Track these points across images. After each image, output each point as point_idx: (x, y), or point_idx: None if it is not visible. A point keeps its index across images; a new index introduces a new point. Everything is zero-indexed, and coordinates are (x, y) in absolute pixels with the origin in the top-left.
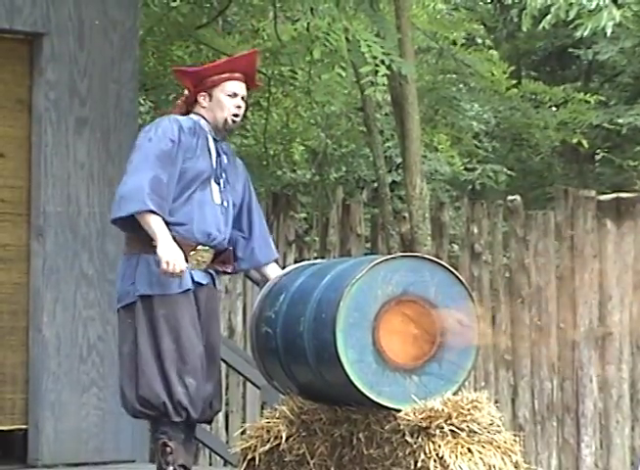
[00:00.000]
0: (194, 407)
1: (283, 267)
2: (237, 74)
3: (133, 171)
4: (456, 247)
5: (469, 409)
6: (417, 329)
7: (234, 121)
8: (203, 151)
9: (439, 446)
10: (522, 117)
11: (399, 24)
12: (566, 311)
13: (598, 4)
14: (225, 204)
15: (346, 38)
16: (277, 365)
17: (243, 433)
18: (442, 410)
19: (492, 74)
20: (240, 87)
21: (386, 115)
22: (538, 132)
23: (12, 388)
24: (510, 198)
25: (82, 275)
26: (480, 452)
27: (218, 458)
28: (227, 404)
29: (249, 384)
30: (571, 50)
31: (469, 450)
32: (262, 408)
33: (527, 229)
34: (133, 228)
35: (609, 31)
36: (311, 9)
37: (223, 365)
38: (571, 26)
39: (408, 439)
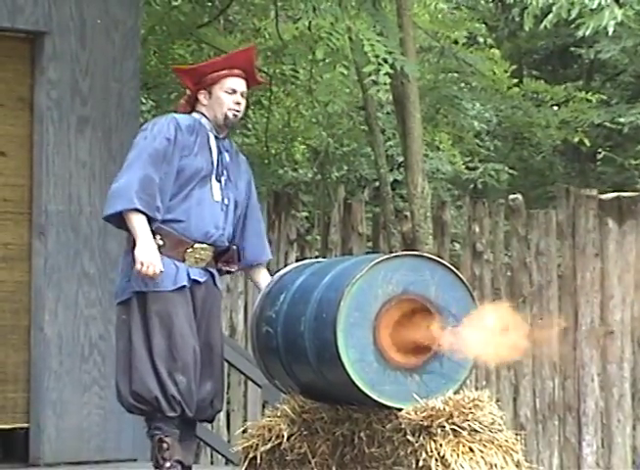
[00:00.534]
0: (187, 403)
1: (284, 266)
2: (235, 71)
3: (126, 169)
4: (458, 246)
5: (470, 408)
6: (417, 328)
7: (235, 116)
8: (202, 149)
9: (441, 445)
10: (523, 116)
11: (401, 23)
12: (567, 310)
13: (600, 3)
14: (226, 201)
15: (349, 37)
16: (278, 364)
17: (244, 432)
18: (444, 409)
19: (494, 73)
20: (239, 83)
21: (387, 113)
22: (540, 131)
23: (13, 387)
24: (511, 197)
25: (84, 274)
26: (482, 451)
27: (220, 457)
28: (228, 403)
29: (250, 383)
30: (572, 49)
31: (470, 449)
32: (264, 407)
33: (529, 228)
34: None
35: (610, 30)
36: (313, 8)
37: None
38: (573, 26)
39: (409, 438)
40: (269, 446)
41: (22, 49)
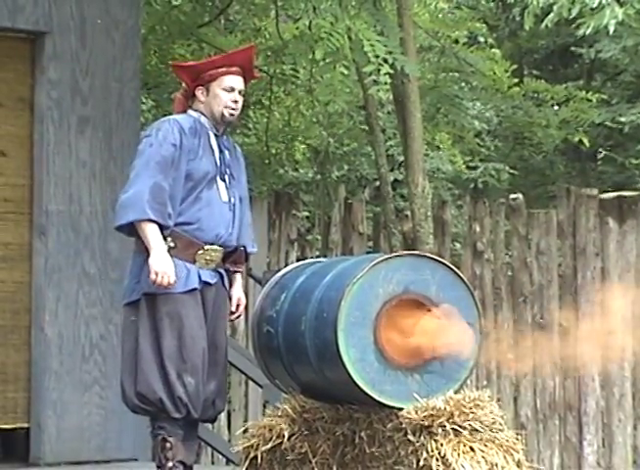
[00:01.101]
0: (194, 405)
1: (285, 266)
2: (234, 69)
3: (134, 179)
4: (458, 245)
5: (471, 408)
6: (418, 328)
7: (232, 114)
8: (205, 150)
9: (442, 445)
10: (524, 116)
11: (401, 23)
12: (568, 310)
13: (600, 2)
14: (232, 200)
15: (349, 37)
16: (279, 364)
17: (245, 431)
18: (444, 409)
19: (494, 73)
20: (237, 81)
21: (388, 113)
22: (540, 131)
23: (14, 386)
24: (512, 196)
25: (84, 274)
26: (483, 451)
27: (220, 457)
28: (229, 403)
29: (251, 383)
30: (573, 48)
31: (471, 449)
32: (264, 407)
33: (530, 228)
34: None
35: (611, 29)
36: (313, 8)
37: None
38: (574, 25)
39: (410, 437)
40: (270, 445)
41: (22, 49)
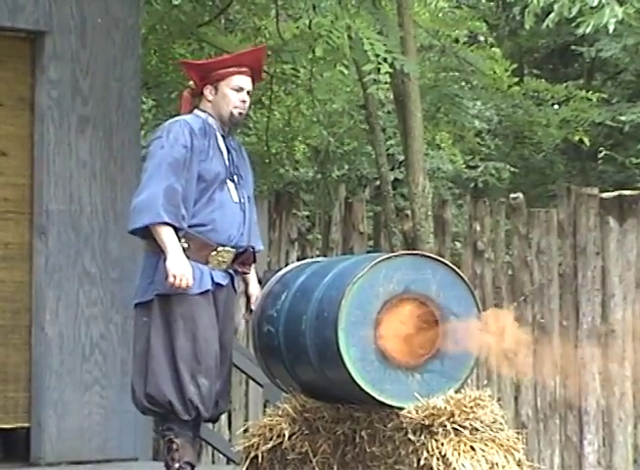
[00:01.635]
0: (205, 407)
1: (285, 265)
2: (243, 69)
3: (147, 181)
4: (459, 244)
5: (471, 407)
6: (419, 327)
7: (240, 114)
8: (215, 151)
9: (442, 444)
10: (524, 115)
11: (401, 22)
12: (568, 309)
13: (600, 1)
14: (242, 200)
15: (349, 36)
16: (279, 364)
17: (245, 431)
18: (445, 408)
19: (494, 72)
20: (246, 82)
21: (388, 112)
22: (541, 130)
23: (14, 386)
24: (512, 195)
25: (85, 273)
26: (483, 450)
27: (221, 456)
28: (230, 402)
29: (251, 382)
30: (573, 47)
31: (471, 448)
32: (265, 406)
33: (530, 227)
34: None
35: (611, 28)
36: (313, 6)
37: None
38: (574, 24)
39: (411, 437)
40: (270, 445)
41: (22, 48)
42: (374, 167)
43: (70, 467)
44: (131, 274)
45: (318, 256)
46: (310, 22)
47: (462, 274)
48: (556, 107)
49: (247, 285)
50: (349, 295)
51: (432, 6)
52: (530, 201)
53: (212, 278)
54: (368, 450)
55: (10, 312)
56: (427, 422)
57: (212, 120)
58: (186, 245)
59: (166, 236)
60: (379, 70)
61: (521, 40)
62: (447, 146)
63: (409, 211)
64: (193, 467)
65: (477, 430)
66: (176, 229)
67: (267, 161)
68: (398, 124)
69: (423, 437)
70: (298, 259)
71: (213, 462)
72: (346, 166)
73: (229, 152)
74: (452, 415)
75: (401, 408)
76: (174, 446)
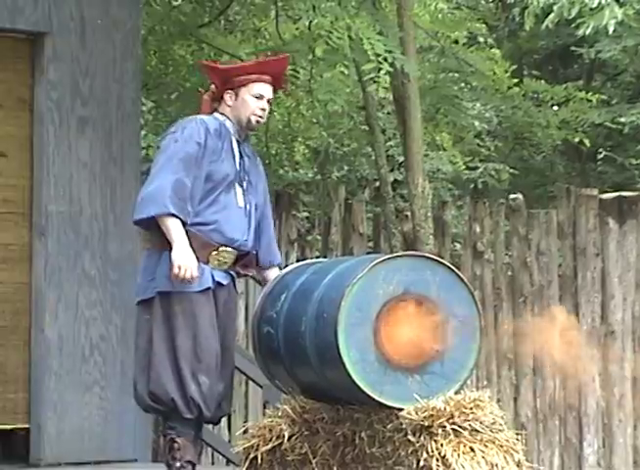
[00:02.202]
0: (206, 405)
1: (285, 266)
2: (265, 77)
3: (157, 173)
4: (458, 246)
5: (471, 408)
6: (418, 328)
7: (258, 122)
8: (227, 154)
9: (442, 445)
10: (523, 116)
11: (401, 23)
12: (568, 310)
13: (600, 2)
14: (248, 207)
15: (349, 36)
16: (279, 365)
17: (245, 432)
18: (444, 409)
19: (494, 73)
20: (267, 90)
21: (388, 113)
22: (540, 131)
23: (14, 387)
24: (512, 196)
25: (84, 275)
26: (483, 451)
27: (221, 457)
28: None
29: (251, 383)
30: (573, 49)
31: (471, 449)
32: (265, 407)
33: (530, 228)
34: (156, 227)
35: (611, 30)
36: (313, 7)
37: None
38: (574, 25)
39: (410, 438)
40: (270, 446)
41: (22, 49)
42: (374, 169)
43: (70, 468)
44: (131, 275)
45: (318, 257)
46: (310, 22)
47: (461, 275)
48: (555, 108)
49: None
50: (349, 296)
51: (431, 7)
52: (530, 202)
53: (213, 277)
54: (368, 451)
55: (9, 313)
56: (426, 423)
57: (230, 124)
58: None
59: (173, 227)
60: (379, 69)
61: (520, 41)
62: (448, 147)
63: (409, 213)
64: (194, 466)
65: (476, 431)
66: (182, 223)
67: (267, 162)
68: (398, 125)
69: (422, 438)
70: (298, 261)
71: (213, 463)
72: (346, 168)
73: (242, 157)
74: (452, 416)
75: (401, 409)
76: (176, 446)
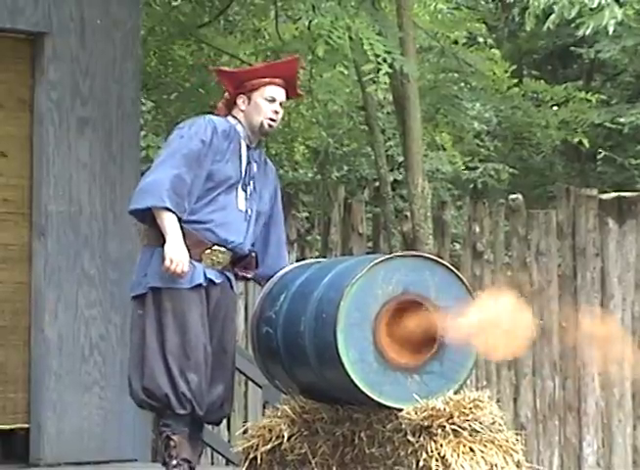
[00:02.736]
0: (198, 402)
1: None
2: (277, 80)
3: (158, 166)
4: (458, 246)
5: (470, 408)
6: (418, 328)
7: (270, 126)
8: (233, 156)
9: (441, 446)
10: (523, 116)
11: (401, 23)
12: (567, 310)
13: (600, 2)
14: (249, 212)
15: (349, 36)
16: (278, 365)
17: (245, 432)
18: (444, 409)
19: (494, 73)
20: (279, 93)
21: (387, 113)
22: (540, 131)
23: (14, 387)
24: (512, 197)
25: (84, 275)
26: (482, 452)
27: (220, 458)
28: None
29: (250, 383)
30: (572, 49)
31: (471, 450)
32: (264, 408)
33: (529, 228)
34: (151, 221)
35: (611, 30)
36: (313, 7)
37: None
38: (573, 25)
39: (410, 438)
40: (269, 446)
41: (22, 50)
42: (373, 169)
43: (69, 468)
44: (130, 275)
45: (317, 257)
46: (310, 22)
47: (461, 275)
48: (555, 108)
49: None
50: (348, 296)
51: (431, 7)
52: (530, 202)
53: (205, 274)
54: (367, 452)
55: (9, 313)
56: (426, 423)
57: (241, 128)
58: None
59: (168, 221)
60: (379, 70)
61: (520, 41)
62: (447, 147)
63: (408, 213)
64: (190, 463)
65: (476, 431)
66: (178, 218)
67: None
68: (398, 126)
69: (422, 438)
70: (298, 261)
71: (212, 463)
72: (346, 168)
73: (249, 163)
74: (451, 416)
75: (400, 410)
76: (172, 443)
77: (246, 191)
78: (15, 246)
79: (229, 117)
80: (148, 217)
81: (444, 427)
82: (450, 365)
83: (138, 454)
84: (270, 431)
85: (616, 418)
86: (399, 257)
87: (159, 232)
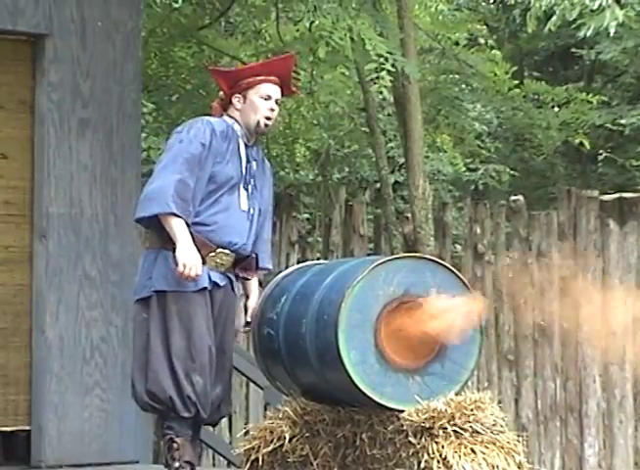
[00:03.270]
0: (202, 405)
1: (286, 268)
2: (272, 77)
3: (160, 172)
4: (459, 247)
5: (472, 410)
6: (419, 329)
7: (266, 125)
8: (233, 156)
9: (443, 447)
10: (524, 118)
11: (402, 25)
12: (568, 312)
13: (601, 4)
14: (251, 211)
15: (351, 38)
16: (279, 367)
17: (246, 434)
18: (445, 411)
19: (495, 75)
20: (274, 90)
21: (388, 115)
22: (541, 132)
23: (15, 389)
24: (513, 198)
25: (85, 276)
26: (484, 453)
27: (222, 459)
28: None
29: (252, 385)
30: (573, 50)
31: (472, 451)
32: (265, 409)
33: (530, 229)
34: (157, 226)
35: (612, 31)
36: (314, 7)
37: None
38: (574, 26)
39: (411, 439)
40: (271, 447)
41: (22, 51)
42: (374, 170)
43: None
44: (131, 277)
45: (318, 258)
46: (311, 24)
47: (462, 277)
48: (556, 109)
49: (247, 297)
50: (349, 298)
51: (432, 8)
52: (531, 203)
53: (210, 277)
54: (369, 453)
55: (10, 315)
56: (427, 425)
57: (238, 128)
58: None
59: (177, 226)
60: (381, 70)
61: (521, 43)
62: (448, 148)
63: (409, 214)
64: (193, 466)
65: (477, 432)
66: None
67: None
68: (399, 127)
69: (423, 439)
70: (299, 262)
71: (214, 465)
72: (347, 169)
73: (248, 161)
74: (453, 418)
75: (402, 411)
76: (175, 446)
77: (247, 190)
78: (16, 248)
79: (225, 117)
80: (153, 224)
81: (446, 428)
82: (451, 367)
83: (139, 456)
84: (271, 432)
85: (617, 419)
86: (400, 258)
87: (162, 236)
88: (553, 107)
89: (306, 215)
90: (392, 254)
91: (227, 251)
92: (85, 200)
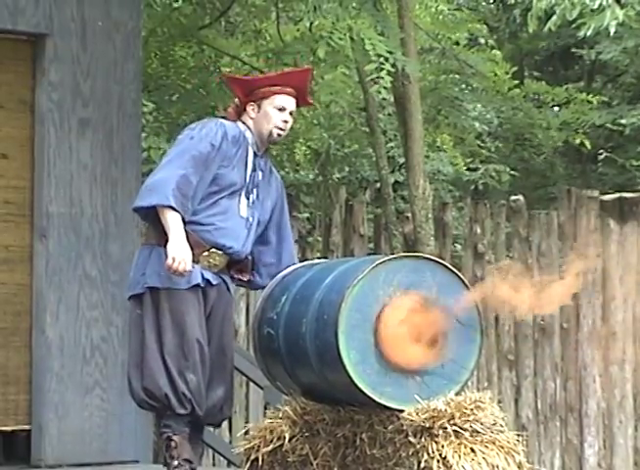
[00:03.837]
0: (197, 402)
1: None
2: (288, 89)
3: (166, 165)
4: (459, 247)
5: (472, 409)
6: (419, 329)
7: (279, 135)
8: (239, 162)
9: (442, 447)
10: (524, 118)
11: (402, 24)
12: (568, 311)
13: (601, 4)
14: (251, 219)
15: (351, 38)
16: (279, 366)
17: (246, 433)
18: (445, 411)
19: (495, 75)
20: (289, 102)
21: (388, 115)
22: (541, 132)
23: (15, 388)
24: (513, 198)
25: (85, 276)
26: (484, 452)
27: (222, 459)
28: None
29: (252, 384)
30: (573, 50)
31: (472, 451)
32: (265, 409)
33: (530, 229)
34: (153, 220)
35: (612, 31)
36: (314, 7)
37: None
38: (574, 26)
39: (411, 439)
40: (271, 447)
41: (23, 51)
42: (374, 170)
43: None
44: None
45: (319, 258)
46: (311, 24)
47: (462, 277)
48: (556, 109)
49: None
50: (349, 298)
51: (432, 8)
52: (531, 203)
53: (203, 275)
54: (368, 453)
55: (10, 315)
56: (427, 424)
57: (250, 135)
58: None
59: (172, 219)
60: (381, 69)
61: (521, 43)
62: (448, 148)
63: (410, 214)
64: (191, 464)
65: (477, 432)
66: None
67: None
68: (399, 127)
69: (423, 439)
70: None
71: (214, 465)
72: (347, 169)
73: (254, 170)
74: (452, 417)
75: (402, 411)
76: (173, 444)
77: (248, 198)
78: (16, 247)
79: (239, 123)
80: (150, 216)
81: (446, 428)
82: (451, 366)
83: (140, 456)
84: (271, 432)
85: (617, 419)
86: (400, 258)
87: (157, 231)
88: (553, 107)
89: (306, 215)
90: (392, 253)
91: (220, 251)
92: (85, 199)
